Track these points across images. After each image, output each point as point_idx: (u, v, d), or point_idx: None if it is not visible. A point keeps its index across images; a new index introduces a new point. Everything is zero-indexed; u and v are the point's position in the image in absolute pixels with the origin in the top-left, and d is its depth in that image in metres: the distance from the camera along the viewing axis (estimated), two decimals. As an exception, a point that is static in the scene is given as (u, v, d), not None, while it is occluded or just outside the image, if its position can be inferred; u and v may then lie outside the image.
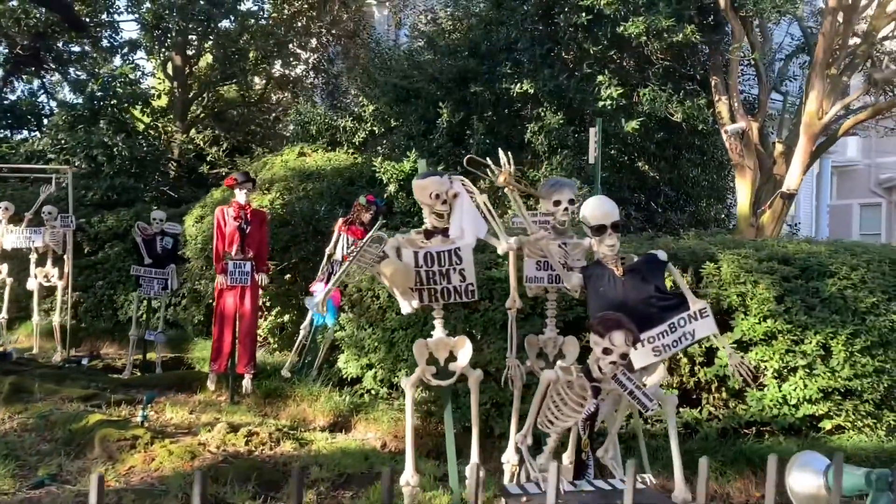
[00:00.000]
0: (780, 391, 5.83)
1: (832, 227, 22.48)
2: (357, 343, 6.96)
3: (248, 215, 7.29)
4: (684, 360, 5.90)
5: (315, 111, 11.73)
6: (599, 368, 3.21)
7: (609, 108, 9.63)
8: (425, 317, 6.06)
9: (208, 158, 17.07)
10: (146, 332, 8.64)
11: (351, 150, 11.24)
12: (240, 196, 7.29)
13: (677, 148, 11.04)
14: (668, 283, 4.26)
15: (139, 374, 8.51)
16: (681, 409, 5.89)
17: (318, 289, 7.47)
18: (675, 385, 5.90)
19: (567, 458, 3.40)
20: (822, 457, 1.90)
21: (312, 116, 11.63)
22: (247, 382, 7.33)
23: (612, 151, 10.47)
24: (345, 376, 7.18)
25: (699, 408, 5.94)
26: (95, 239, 12.00)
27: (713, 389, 5.93)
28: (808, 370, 5.83)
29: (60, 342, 9.42)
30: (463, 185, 3.46)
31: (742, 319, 5.86)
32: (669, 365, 5.92)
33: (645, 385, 3.72)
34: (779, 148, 10.38)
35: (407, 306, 3.41)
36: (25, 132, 18.38)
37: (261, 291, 7.78)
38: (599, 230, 3.48)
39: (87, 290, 11.61)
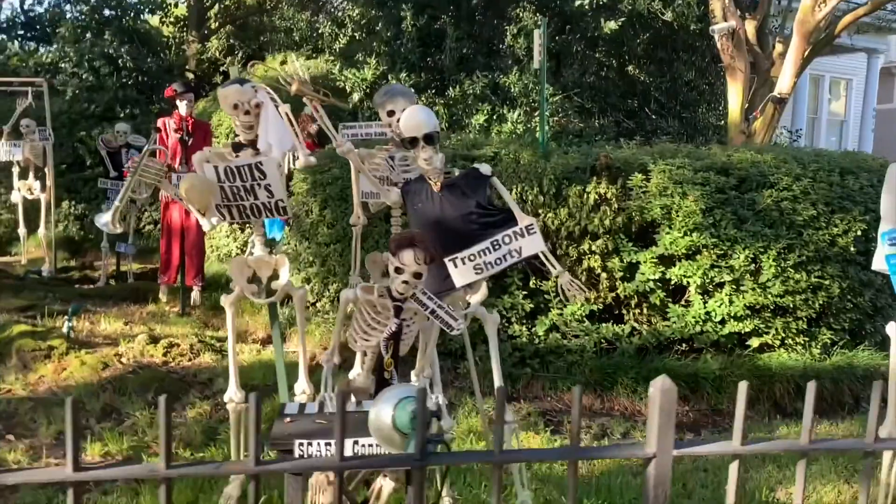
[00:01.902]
0: (705, 307, 5.60)
1: (879, 132, 21.22)
2: (296, 257, 6.95)
3: (190, 127, 7.21)
4: (604, 274, 5.70)
5: (298, 17, 11.39)
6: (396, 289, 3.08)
7: (587, 7, 9.07)
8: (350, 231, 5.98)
9: (222, 69, 16.94)
10: (116, 244, 8.80)
11: (332, 58, 10.96)
12: (181, 107, 7.20)
13: (672, 50, 10.42)
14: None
15: (113, 284, 8.73)
16: (602, 325, 5.74)
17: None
18: (593, 300, 5.72)
19: (361, 380, 3.33)
20: (417, 390, 1.74)
21: (295, 22, 11.32)
22: (195, 295, 7.43)
23: (598, 55, 9.94)
24: (288, 289, 7.20)
25: (622, 324, 5.77)
26: (96, 152, 12.17)
27: (633, 305, 5.73)
28: (735, 286, 5.57)
29: (47, 255, 9.69)
30: (269, 94, 3.29)
31: (666, 234, 5.59)
32: (589, 279, 5.75)
33: (469, 304, 3.59)
34: (778, 48, 9.70)
35: (206, 223, 3.32)
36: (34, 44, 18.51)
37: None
38: (412, 143, 3.28)
39: (90, 201, 11.88)
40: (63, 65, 14.83)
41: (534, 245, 3.42)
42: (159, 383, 5.25)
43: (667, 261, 5.64)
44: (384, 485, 3.18)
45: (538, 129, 7.62)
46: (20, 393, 5.12)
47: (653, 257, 5.60)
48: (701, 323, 5.61)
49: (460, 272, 3.40)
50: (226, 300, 3.55)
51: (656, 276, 5.60)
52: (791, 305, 5.61)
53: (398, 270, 3.05)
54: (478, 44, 9.83)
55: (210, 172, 3.27)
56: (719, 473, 4.32)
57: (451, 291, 3.44)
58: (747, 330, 5.61)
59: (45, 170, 9.67)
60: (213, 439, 4.62)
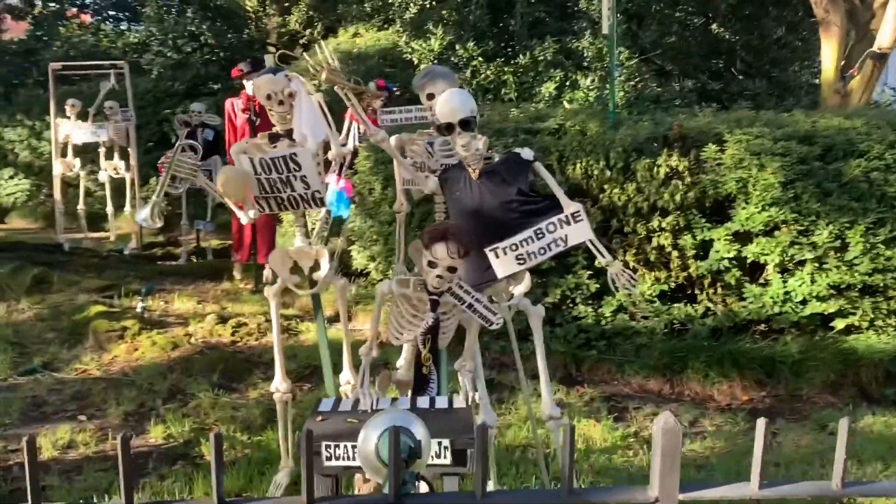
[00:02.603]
0: (785, 287, 5.25)
1: None
2: (361, 235, 6.93)
3: (257, 107, 7.24)
4: (675, 252, 5.41)
5: (368, -14, 11.29)
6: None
7: (665, -37, 8.58)
8: (417, 211, 5.89)
9: (301, 41, 17.09)
10: (195, 222, 9.03)
11: (402, 28, 10.81)
12: (248, 87, 7.22)
13: (761, 4, 9.75)
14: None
15: (194, 260, 8.99)
16: (674, 306, 5.48)
17: (331, 181, 7.41)
18: (663, 280, 5.45)
19: (403, 373, 3.25)
20: (411, 417, 1.61)
21: (367, -7, 11.22)
22: (267, 272, 7.52)
23: (679, 13, 9.41)
24: (355, 268, 7.21)
25: (694, 304, 5.48)
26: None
27: (706, 285, 5.43)
28: (817, 264, 5.19)
29: (133, 233, 10.06)
30: (302, 83, 3.20)
31: (742, 209, 5.25)
32: (660, 258, 5.48)
33: (512, 295, 3.44)
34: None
35: (244, 216, 3.28)
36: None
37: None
38: (448, 128, 3.12)
39: (174, 179, 12.24)
40: (150, 43, 15.27)
41: (581, 233, 3.23)
42: (224, 364, 5.35)
43: (743, 238, 5.30)
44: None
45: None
46: (95, 373, 5.33)
47: (727, 234, 5.27)
48: (780, 303, 5.27)
49: (502, 263, 3.24)
50: (269, 291, 3.53)
51: (731, 254, 5.27)
52: (881, 285, 5.18)
53: (431, 264, 2.94)
54: (550, 7, 9.48)
55: (246, 164, 3.23)
56: (791, 468, 4.06)
57: (493, 283, 3.29)
58: (831, 311, 5.23)
59: (129, 149, 10.00)
60: (272, 421, 4.67)
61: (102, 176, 10.13)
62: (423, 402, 2.97)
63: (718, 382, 5.17)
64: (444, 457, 2.59)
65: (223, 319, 6.09)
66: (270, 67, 3.29)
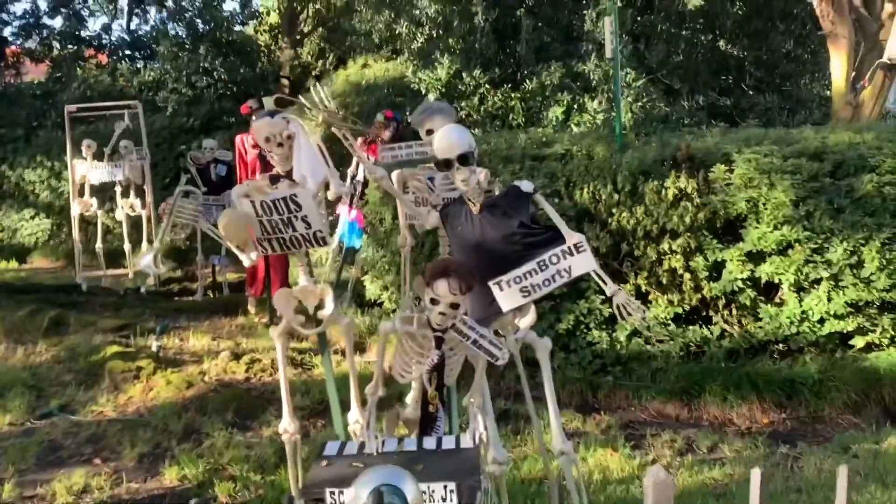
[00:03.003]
0: (801, 306, 5.17)
1: None
2: (374, 265, 6.94)
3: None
4: (687, 275, 5.35)
5: (377, 19, 11.38)
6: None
7: (669, -17, 8.59)
8: (427, 241, 5.89)
9: (314, 73, 17.28)
10: (210, 257, 9.09)
11: (410, 58, 10.90)
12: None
13: (768, 19, 9.72)
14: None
15: (211, 295, 9.04)
16: (689, 329, 5.41)
17: (343, 212, 7.46)
18: (676, 303, 5.39)
19: (410, 411, 3.21)
20: (402, 474, 1.58)
21: (374, 24, 11.32)
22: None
23: (685, 32, 9.40)
24: (369, 298, 7.22)
25: (710, 326, 5.41)
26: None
27: (721, 306, 5.36)
28: (833, 282, 5.11)
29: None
30: (301, 125, 3.21)
31: (753, 228, 5.19)
32: (672, 281, 5.42)
33: (518, 328, 3.40)
34: (888, 8, 8.84)
35: (245, 259, 3.29)
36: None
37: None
38: (447, 164, 3.12)
39: (175, 225, 12.36)
40: (164, 81, 15.49)
41: (584, 264, 3.21)
42: (238, 402, 5.34)
43: (756, 258, 5.24)
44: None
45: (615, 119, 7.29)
46: (110, 415, 5.34)
47: (740, 254, 5.21)
48: (797, 323, 5.19)
49: (506, 296, 3.22)
50: (274, 332, 3.52)
51: (745, 275, 5.21)
52: (900, 300, 5.10)
53: (434, 301, 2.92)
54: (556, 31, 9.51)
55: (248, 207, 3.24)
56: (813, 494, 3.96)
57: (499, 316, 3.27)
58: (850, 329, 5.14)
59: (145, 187, 10.11)
60: (285, 460, 4.63)
61: (119, 214, 10.24)
62: (429, 442, 2.94)
63: (737, 405, 5.09)
64: (451, 500, 2.55)
65: (237, 356, 6.09)
66: (268, 110, 3.31)
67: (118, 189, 10.21)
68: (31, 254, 13.83)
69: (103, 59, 19.81)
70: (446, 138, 3.11)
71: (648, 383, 5.33)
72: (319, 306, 3.55)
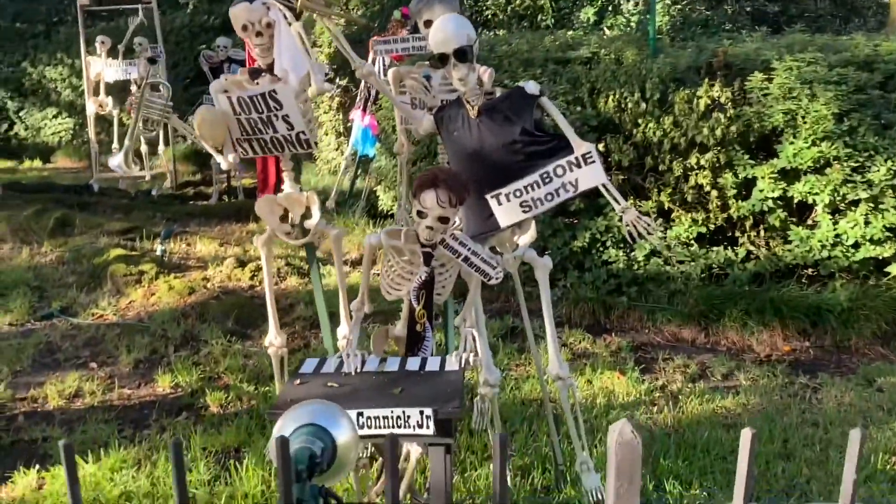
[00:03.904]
0: (835, 229, 4.81)
1: None
2: (387, 174, 6.66)
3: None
4: (714, 192, 5.00)
5: None
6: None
7: None
8: (432, 146, 5.59)
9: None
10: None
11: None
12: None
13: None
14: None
15: (225, 200, 8.88)
16: (712, 250, 5.10)
17: (356, 118, 7.14)
18: (701, 222, 5.06)
19: (401, 329, 3.00)
20: (334, 414, 1.35)
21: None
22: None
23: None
24: (381, 209, 6.98)
25: (735, 247, 5.08)
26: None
27: (748, 227, 5.02)
28: (872, 204, 4.73)
29: (169, 171, 9.98)
30: (282, 11, 2.89)
31: (789, 144, 4.78)
32: (698, 198, 5.08)
33: (517, 246, 3.13)
34: None
35: (222, 160, 3.03)
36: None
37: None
38: (442, 60, 2.78)
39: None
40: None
41: (593, 176, 2.89)
42: (239, 310, 5.21)
43: (789, 175, 4.85)
44: (411, 449, 2.91)
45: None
46: (110, 318, 5.25)
47: (772, 172, 4.83)
48: (829, 247, 4.84)
49: (505, 210, 2.94)
50: (258, 241, 3.31)
51: (776, 194, 4.84)
52: (945, 227, 4.70)
53: (420, 214, 2.66)
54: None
55: (225, 103, 2.96)
56: (830, 430, 3.73)
57: (496, 232, 3.00)
58: (887, 255, 4.77)
59: (161, 86, 9.81)
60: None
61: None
62: (413, 363, 2.73)
63: (758, 332, 4.81)
64: (427, 427, 2.36)
65: (242, 263, 5.94)
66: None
67: (133, 88, 9.93)
68: (55, 153, 13.75)
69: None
70: (441, 30, 2.77)
71: (665, 305, 5.06)
72: (307, 215, 3.32)
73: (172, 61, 11.87)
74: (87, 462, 3.44)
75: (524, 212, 2.94)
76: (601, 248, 5.26)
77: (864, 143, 4.65)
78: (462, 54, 2.78)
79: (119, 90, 9.91)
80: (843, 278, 4.95)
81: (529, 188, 2.90)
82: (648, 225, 2.94)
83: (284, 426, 1.35)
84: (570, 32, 7.26)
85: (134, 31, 9.84)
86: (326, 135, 9.59)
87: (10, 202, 7.44)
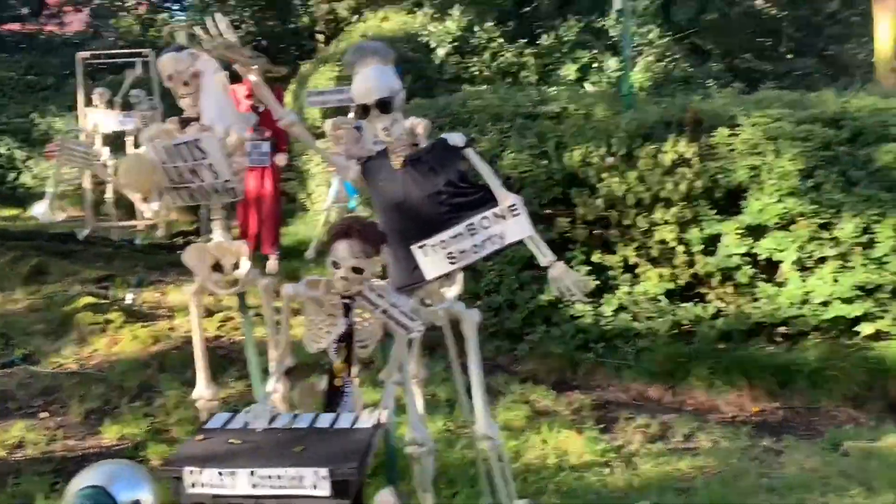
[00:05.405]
0: (803, 286, 4.70)
1: None
2: (364, 224, 6.64)
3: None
4: (680, 247, 4.93)
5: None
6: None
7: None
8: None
9: (345, 28, 16.88)
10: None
11: (433, 12, 10.44)
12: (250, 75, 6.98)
13: (813, -24, 9.01)
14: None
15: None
16: (681, 306, 5.00)
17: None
18: (667, 277, 4.98)
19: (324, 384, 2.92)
20: (128, 475, 1.28)
21: (397, -25, 10.90)
22: (271, 263, 7.34)
23: (718, -11, 8.76)
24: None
25: (705, 304, 4.98)
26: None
27: (715, 284, 4.92)
28: (841, 261, 4.63)
29: (162, 220, 10.00)
30: (212, 62, 2.90)
31: (755, 200, 4.72)
32: (663, 254, 5.01)
33: (445, 299, 3.07)
34: (944, -34, 8.05)
35: (147, 209, 3.02)
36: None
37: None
38: (364, 110, 2.78)
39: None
40: (192, 33, 15.30)
41: (519, 229, 2.83)
42: (203, 361, 5.13)
43: (756, 232, 4.78)
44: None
45: (633, 77, 6.80)
46: (71, 367, 5.20)
47: (738, 228, 4.76)
48: (798, 305, 4.73)
49: (431, 262, 2.89)
50: (187, 291, 3.27)
51: (742, 250, 4.77)
52: (916, 285, 4.59)
53: (335, 265, 2.62)
54: (582, -16, 8.97)
55: (153, 152, 2.96)
56: (787, 496, 3.58)
57: (422, 284, 2.94)
58: (857, 314, 4.66)
59: (156, 138, 9.94)
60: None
61: (130, 164, 10.11)
62: (324, 420, 2.65)
63: (725, 392, 4.69)
64: (322, 488, 2.27)
65: (210, 313, 5.88)
66: (176, 45, 3.00)
67: (129, 139, 10.07)
68: (62, 202, 13.90)
69: (142, 10, 19.78)
70: (364, 81, 2.77)
71: (632, 362, 4.95)
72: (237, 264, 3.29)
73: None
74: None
75: (451, 263, 2.88)
76: (569, 302, 5.17)
77: (831, 199, 4.59)
78: (384, 105, 2.77)
79: (113, 141, 10.06)
80: (814, 338, 4.83)
81: (455, 240, 2.84)
82: (578, 282, 2.85)
83: (79, 482, 1.28)
84: (553, 89, 7.32)
85: (131, 84, 10.03)
86: (318, 186, 9.64)
87: (-8, 250, 7.48)
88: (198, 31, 2.73)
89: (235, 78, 8.59)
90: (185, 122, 3.02)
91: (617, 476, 3.79)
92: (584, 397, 4.76)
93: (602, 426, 4.40)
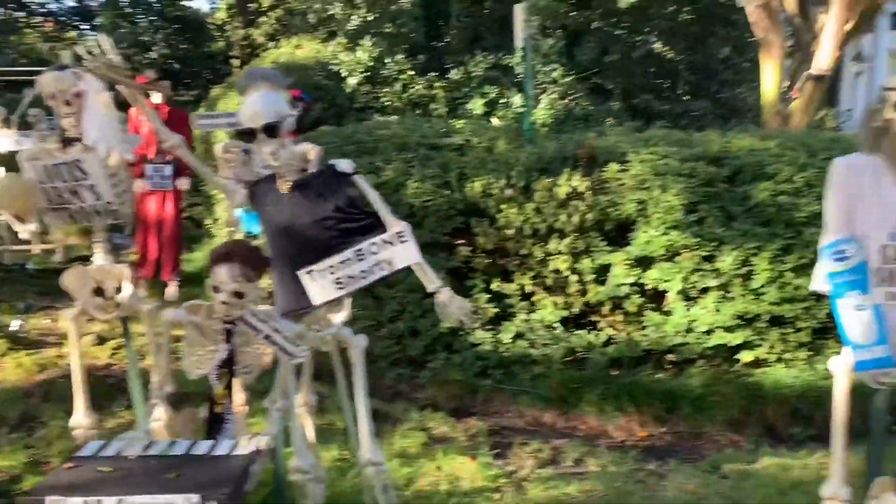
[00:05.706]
0: (688, 315, 4.93)
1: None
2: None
3: (165, 116, 6.89)
4: (573, 277, 5.09)
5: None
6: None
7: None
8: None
9: (260, 54, 16.76)
10: (112, 236, 8.63)
11: (346, 41, 10.54)
12: (154, 96, 6.88)
13: (706, 24, 9.54)
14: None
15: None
16: (575, 333, 5.15)
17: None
18: (561, 305, 5.12)
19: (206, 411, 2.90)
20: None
21: (310, 4, 10.95)
22: (171, 290, 7.16)
23: (618, 32, 9.18)
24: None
25: (597, 332, 5.15)
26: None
27: (606, 312, 5.11)
28: (722, 292, 4.88)
29: (60, 244, 9.62)
30: (95, 81, 2.86)
31: (642, 232, 4.94)
32: (557, 282, 5.16)
33: (333, 324, 3.09)
34: (822, 20, 8.69)
35: (23, 230, 2.95)
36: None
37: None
38: (250, 134, 2.80)
39: None
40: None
41: (407, 255, 2.89)
42: (91, 389, 4.94)
43: (643, 262, 4.99)
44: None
45: (535, 113, 7.02)
46: (-52, 398, 4.92)
47: (627, 259, 4.96)
48: (683, 333, 4.95)
49: (319, 287, 2.90)
50: (65, 315, 3.18)
51: (630, 280, 4.96)
52: (790, 315, 4.88)
53: (216, 289, 2.61)
54: (490, 21, 9.23)
55: (32, 171, 2.88)
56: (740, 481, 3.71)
57: (310, 309, 2.95)
58: (737, 342, 4.91)
59: (54, 159, 9.61)
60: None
61: (26, 186, 9.72)
62: (201, 447, 2.61)
63: (615, 417, 4.83)
64: (192, 515, 2.24)
65: (103, 340, 5.69)
66: (58, 64, 2.96)
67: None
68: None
69: (49, 27, 19.15)
70: (251, 105, 2.79)
71: (528, 388, 5.05)
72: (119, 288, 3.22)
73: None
74: None
75: (338, 289, 2.90)
76: (469, 331, 5.25)
77: (712, 233, 4.84)
78: (271, 130, 2.80)
79: (9, 161, 9.64)
80: (699, 365, 5.05)
81: (343, 265, 2.87)
82: (461, 307, 2.92)
83: None
84: (460, 123, 7.48)
85: (30, 103, 9.64)
86: (225, 212, 9.51)
87: None
88: (80, 50, 2.69)
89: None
90: (67, 142, 2.96)
91: (507, 501, 3.85)
92: (481, 423, 4.82)
93: (496, 452, 4.46)
